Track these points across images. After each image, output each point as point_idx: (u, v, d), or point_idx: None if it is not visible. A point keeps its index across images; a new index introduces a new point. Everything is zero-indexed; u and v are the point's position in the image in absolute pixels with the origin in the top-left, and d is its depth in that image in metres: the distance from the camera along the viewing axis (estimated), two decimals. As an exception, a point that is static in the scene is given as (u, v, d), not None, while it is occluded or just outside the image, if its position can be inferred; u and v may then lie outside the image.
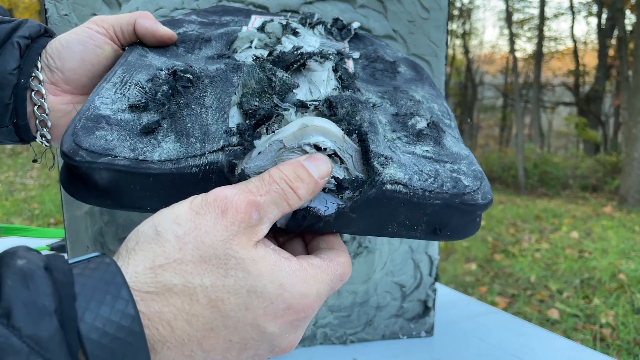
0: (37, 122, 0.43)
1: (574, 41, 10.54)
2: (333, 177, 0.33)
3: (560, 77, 11.17)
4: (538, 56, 9.63)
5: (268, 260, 0.28)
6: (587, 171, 8.03)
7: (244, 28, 0.48)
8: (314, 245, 0.35)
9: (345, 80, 0.40)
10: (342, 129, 0.34)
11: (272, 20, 0.49)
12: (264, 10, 0.57)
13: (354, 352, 0.64)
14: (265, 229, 0.30)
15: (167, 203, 0.30)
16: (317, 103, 0.35)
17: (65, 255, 0.90)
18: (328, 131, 0.33)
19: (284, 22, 0.48)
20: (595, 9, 10.00)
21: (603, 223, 4.31)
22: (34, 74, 0.42)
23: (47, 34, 0.45)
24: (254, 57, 0.41)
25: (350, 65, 0.47)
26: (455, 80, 10.84)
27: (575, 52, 10.49)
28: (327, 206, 0.34)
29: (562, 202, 5.98)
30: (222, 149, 0.32)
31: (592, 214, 4.96)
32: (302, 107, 0.35)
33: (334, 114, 0.35)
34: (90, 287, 0.24)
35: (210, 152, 0.33)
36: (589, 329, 2.23)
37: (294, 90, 0.36)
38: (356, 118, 0.35)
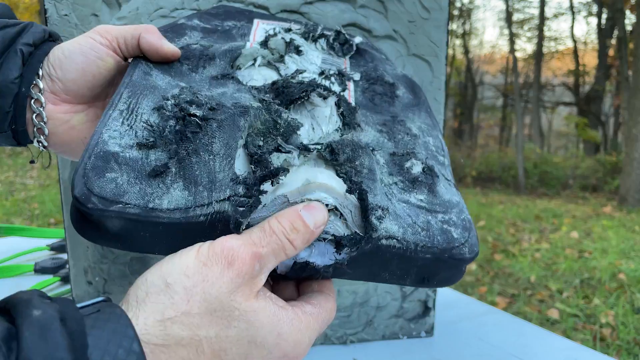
0: (35, 129, 0.43)
1: (574, 41, 10.54)
2: (332, 234, 0.35)
3: (560, 77, 11.17)
4: (538, 56, 9.63)
5: (268, 311, 0.30)
6: (587, 171, 8.03)
7: (248, 44, 0.48)
8: (306, 285, 0.37)
9: (347, 117, 0.42)
10: (344, 181, 0.36)
11: (274, 34, 0.49)
12: (264, 11, 0.57)
13: (354, 352, 0.64)
14: (264, 278, 0.31)
15: (175, 248, 0.32)
16: (319, 147, 0.38)
17: (65, 256, 0.90)
18: (331, 188, 0.35)
19: (287, 39, 0.48)
20: (595, 9, 10.00)
21: (603, 223, 4.31)
22: (34, 82, 0.42)
23: (52, 39, 0.45)
24: (260, 100, 0.41)
25: (350, 88, 0.48)
26: (455, 80, 10.84)
27: (575, 52, 10.49)
28: (325, 260, 0.36)
29: (562, 202, 5.98)
30: (228, 198, 0.34)
31: (592, 214, 4.97)
32: (305, 150, 0.37)
33: (335, 158, 0.37)
34: (104, 339, 0.25)
35: (217, 202, 0.34)
36: (589, 328, 2.23)
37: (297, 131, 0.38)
38: (356, 163, 0.37)
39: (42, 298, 0.26)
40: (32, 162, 0.49)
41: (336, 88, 0.47)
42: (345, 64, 0.51)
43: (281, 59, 0.47)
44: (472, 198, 5.81)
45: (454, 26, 10.42)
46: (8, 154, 6.45)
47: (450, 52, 9.93)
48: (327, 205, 0.35)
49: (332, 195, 0.35)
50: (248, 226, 0.34)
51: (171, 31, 0.48)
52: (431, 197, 0.40)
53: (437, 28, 0.61)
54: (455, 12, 10.20)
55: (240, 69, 0.46)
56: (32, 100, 0.42)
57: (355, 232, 0.36)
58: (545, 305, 2.49)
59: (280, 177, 0.35)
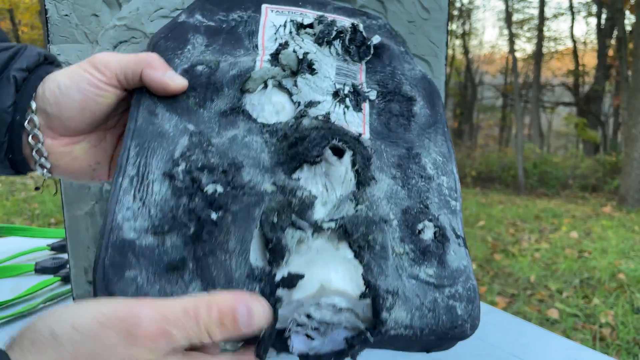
0: (37, 164, 0.42)
1: (574, 41, 10.55)
2: (345, 338, 0.37)
3: (560, 77, 11.18)
4: (538, 56, 9.63)
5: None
6: (586, 171, 8.03)
7: (257, 64, 0.44)
8: None
9: (361, 174, 0.41)
10: (364, 283, 0.37)
11: (286, 44, 0.45)
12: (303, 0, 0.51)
13: (354, 351, 0.64)
14: (173, 358, 0.29)
15: None
16: (333, 226, 0.38)
17: (66, 256, 0.90)
18: (344, 293, 0.36)
19: (300, 53, 0.45)
20: (594, 9, 10.00)
21: (603, 223, 4.31)
22: (29, 117, 0.39)
23: (47, 61, 0.43)
24: (274, 184, 0.39)
25: (366, 111, 0.46)
26: (455, 81, 10.85)
27: (574, 52, 10.50)
28: (334, 346, 0.38)
29: (561, 202, 5.98)
30: None
31: (591, 213, 4.97)
32: (319, 229, 0.38)
33: (349, 236, 0.38)
34: None
35: None
36: (589, 328, 2.23)
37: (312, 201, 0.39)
38: (369, 238, 0.38)
39: None
40: (37, 189, 0.48)
41: (351, 117, 0.44)
42: (361, 71, 0.48)
43: (294, 75, 0.45)
44: (472, 198, 5.81)
45: (453, 26, 10.42)
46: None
47: (450, 52, 9.93)
48: (340, 309, 0.36)
49: (346, 299, 0.36)
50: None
51: (172, 38, 0.44)
52: (440, 270, 0.41)
53: (437, 28, 0.61)
54: (455, 13, 10.20)
55: (250, 92, 0.43)
56: (30, 136, 0.40)
57: (365, 329, 0.37)
58: (545, 305, 2.50)
59: (295, 282, 0.35)
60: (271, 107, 0.43)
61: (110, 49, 0.53)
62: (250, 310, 0.31)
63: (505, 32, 11.19)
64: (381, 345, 0.39)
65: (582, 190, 7.19)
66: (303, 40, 0.46)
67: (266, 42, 0.46)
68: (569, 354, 0.64)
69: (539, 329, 0.71)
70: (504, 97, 11.27)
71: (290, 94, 0.44)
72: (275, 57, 0.45)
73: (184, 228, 0.35)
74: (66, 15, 0.53)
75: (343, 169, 0.40)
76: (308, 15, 0.48)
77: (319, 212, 0.39)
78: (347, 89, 0.45)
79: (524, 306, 2.49)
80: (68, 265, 0.86)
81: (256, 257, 0.36)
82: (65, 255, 0.93)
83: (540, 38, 9.81)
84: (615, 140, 9.50)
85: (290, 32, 0.46)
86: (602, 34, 9.44)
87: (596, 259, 3.14)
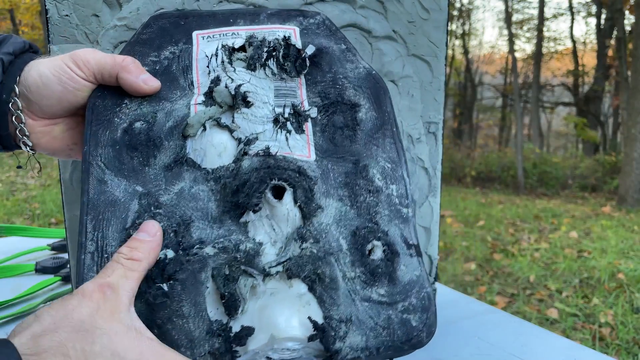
0: (20, 142, 0.45)
1: (573, 41, 10.54)
2: None
3: (560, 77, 11.18)
4: (537, 56, 9.63)
5: (129, 334, 0.34)
6: (586, 171, 8.03)
7: (192, 109, 0.44)
8: None
9: (304, 209, 0.42)
10: (311, 325, 0.38)
11: (218, 79, 0.44)
12: (235, 13, 0.50)
13: (354, 351, 0.65)
14: (125, 300, 0.35)
15: None
16: (280, 269, 0.39)
17: (66, 255, 0.90)
18: (294, 338, 0.38)
19: (233, 88, 0.44)
20: (594, 9, 10.00)
21: (602, 223, 4.32)
22: (13, 100, 0.43)
23: (32, 50, 0.46)
24: (217, 246, 0.40)
25: (309, 131, 0.45)
26: (455, 81, 10.85)
27: (574, 52, 10.50)
28: None
29: (561, 202, 5.98)
30: (209, 353, 0.37)
31: (591, 213, 4.97)
32: (267, 275, 0.39)
33: (297, 276, 0.39)
34: None
35: (199, 357, 0.37)
36: (588, 328, 2.23)
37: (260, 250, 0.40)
38: (318, 272, 0.40)
39: None
40: (19, 167, 0.51)
41: (294, 141, 0.44)
42: (300, 86, 0.47)
43: (231, 109, 0.44)
44: (471, 198, 5.81)
45: (453, 26, 10.42)
46: (9, 154, 6.44)
47: (450, 52, 9.93)
48: (295, 349, 0.39)
49: (297, 341, 0.39)
50: None
51: (108, 96, 0.44)
52: (391, 288, 0.42)
53: (437, 28, 0.61)
54: (455, 13, 10.20)
55: (191, 137, 0.43)
56: (13, 117, 0.43)
57: None
58: (545, 305, 2.50)
59: (245, 340, 0.38)
60: (213, 149, 0.43)
61: (110, 49, 0.53)
62: (142, 229, 0.39)
63: (505, 32, 11.19)
64: None
65: (581, 190, 7.19)
66: (235, 70, 0.45)
67: (200, 78, 0.45)
68: (569, 354, 0.64)
69: (539, 328, 0.72)
70: (504, 97, 11.27)
71: (230, 131, 0.43)
72: (209, 96, 0.44)
73: (144, 295, 0.37)
74: (66, 15, 0.53)
75: (285, 208, 0.41)
76: (240, 34, 0.47)
77: (269, 255, 0.40)
78: (287, 112, 0.45)
79: (523, 306, 2.49)
80: (68, 265, 0.86)
81: (212, 310, 0.38)
82: (65, 255, 0.93)
83: (540, 38, 9.82)
84: (615, 140, 9.50)
85: (222, 62, 0.45)
86: (602, 34, 9.44)
87: (596, 258, 3.14)
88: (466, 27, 11.08)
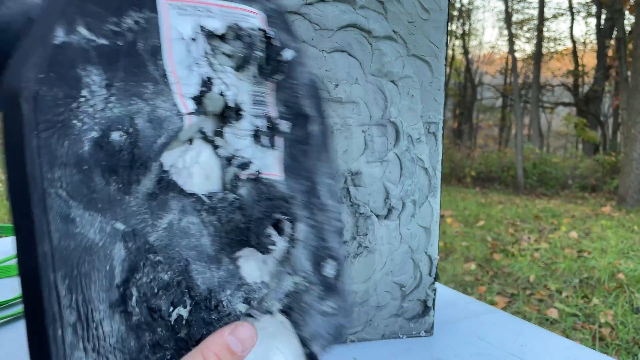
0: None
1: (573, 42, 10.55)
2: None
3: (560, 77, 11.18)
4: (537, 56, 9.63)
5: None
6: (586, 171, 8.04)
7: (186, 120, 0.34)
8: None
9: (293, 240, 0.40)
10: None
11: (210, 83, 0.35)
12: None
13: (354, 351, 0.65)
14: None
15: None
16: (280, 307, 0.39)
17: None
18: None
19: (231, 101, 0.36)
20: (594, 9, 10.01)
21: (602, 223, 4.32)
22: None
23: None
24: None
25: (279, 146, 0.40)
26: (455, 81, 10.85)
27: (574, 52, 10.50)
28: None
29: (561, 202, 5.98)
30: None
31: (591, 213, 4.97)
32: (268, 313, 0.38)
33: (293, 309, 0.40)
34: None
35: None
36: (588, 328, 2.23)
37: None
38: (301, 302, 0.40)
39: None
40: None
41: (268, 158, 0.39)
42: (269, 92, 0.40)
43: (216, 121, 0.37)
44: (471, 198, 5.81)
45: (453, 27, 10.42)
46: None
47: (450, 52, 9.93)
48: None
49: None
50: None
51: (57, 81, 0.28)
52: (337, 300, 0.43)
53: (437, 29, 0.61)
54: (455, 13, 10.20)
55: (170, 151, 0.34)
56: None
57: None
58: (545, 305, 2.50)
59: None
60: (200, 170, 0.35)
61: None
62: (237, 333, 0.32)
63: (505, 32, 11.20)
64: None
65: (581, 190, 7.20)
66: (224, 70, 0.36)
67: (177, 68, 0.34)
68: (569, 354, 0.64)
69: (539, 328, 0.72)
70: (504, 97, 11.27)
71: (215, 147, 0.36)
72: (199, 102, 0.35)
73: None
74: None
75: (283, 244, 0.38)
76: (213, 11, 0.36)
77: (262, 290, 0.38)
78: (263, 125, 0.39)
79: (523, 306, 2.49)
80: (68, 265, 0.85)
81: None
82: (65, 255, 0.93)
83: (540, 38, 9.82)
84: (615, 140, 9.50)
85: (206, 55, 0.35)
86: (602, 34, 9.44)
87: (595, 258, 3.14)
88: (466, 27, 11.09)
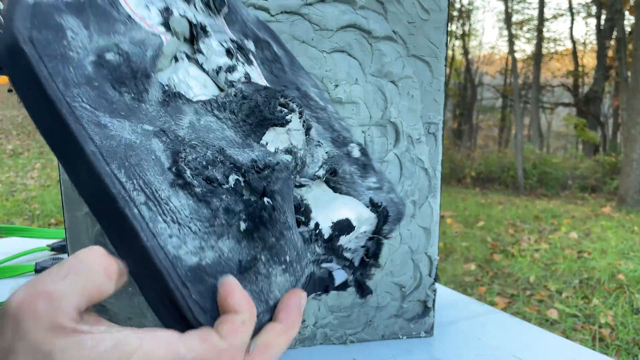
0: None
1: (573, 42, 10.55)
2: (365, 250, 0.43)
3: (560, 78, 11.18)
4: (537, 57, 9.63)
5: (83, 345, 0.25)
6: (586, 172, 8.03)
7: (162, 37, 0.38)
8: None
9: (306, 122, 0.44)
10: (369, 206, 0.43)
11: (169, 9, 0.39)
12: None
13: (354, 352, 0.65)
14: (69, 312, 0.25)
15: None
16: (324, 172, 0.43)
17: (66, 256, 0.90)
18: (368, 219, 0.43)
19: (190, 17, 0.40)
20: (594, 10, 10.01)
21: (602, 223, 4.32)
22: None
23: None
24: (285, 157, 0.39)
25: (254, 62, 0.45)
26: (455, 81, 10.85)
27: (574, 53, 10.50)
28: (360, 265, 0.43)
29: (561, 203, 5.98)
30: (312, 262, 0.38)
31: (591, 214, 4.97)
32: (314, 179, 0.42)
33: (335, 174, 0.44)
34: None
35: (306, 267, 0.37)
36: (588, 329, 2.23)
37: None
38: (341, 171, 0.44)
39: None
40: (9, 90, 0.46)
41: (252, 71, 0.44)
42: (224, 25, 0.45)
43: (190, 43, 0.41)
44: (471, 198, 5.81)
45: (453, 27, 10.43)
46: (9, 154, 6.45)
47: (450, 53, 9.93)
48: (364, 232, 0.43)
49: (369, 222, 0.43)
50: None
51: (44, 27, 0.32)
52: (377, 176, 0.48)
53: (437, 29, 0.61)
54: (455, 13, 10.21)
55: (163, 70, 0.38)
56: None
57: (378, 236, 0.43)
58: (545, 306, 2.50)
59: (347, 227, 0.40)
60: (195, 82, 0.39)
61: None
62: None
63: (505, 33, 11.20)
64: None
65: (581, 191, 7.19)
66: (176, 1, 0.40)
67: (135, 10, 0.38)
68: (569, 354, 0.64)
69: (539, 329, 0.72)
70: (504, 97, 11.27)
71: (198, 64, 0.40)
72: (167, 26, 0.39)
73: (231, 228, 0.32)
74: None
75: (298, 120, 0.42)
76: None
77: (300, 151, 0.42)
78: (232, 46, 0.43)
79: (523, 306, 2.49)
80: (68, 266, 0.85)
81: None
82: (65, 256, 0.93)
83: (540, 39, 9.82)
84: (615, 141, 9.50)
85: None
86: (602, 34, 9.45)
87: (595, 259, 3.14)
88: (466, 28, 11.09)
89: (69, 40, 0.32)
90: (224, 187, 0.33)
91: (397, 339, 0.68)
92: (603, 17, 9.49)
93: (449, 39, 0.64)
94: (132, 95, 0.34)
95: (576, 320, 2.33)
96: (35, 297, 0.25)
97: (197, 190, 0.32)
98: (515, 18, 10.45)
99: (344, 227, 0.39)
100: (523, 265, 3.05)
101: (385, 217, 0.44)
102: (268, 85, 0.44)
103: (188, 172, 0.32)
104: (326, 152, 0.44)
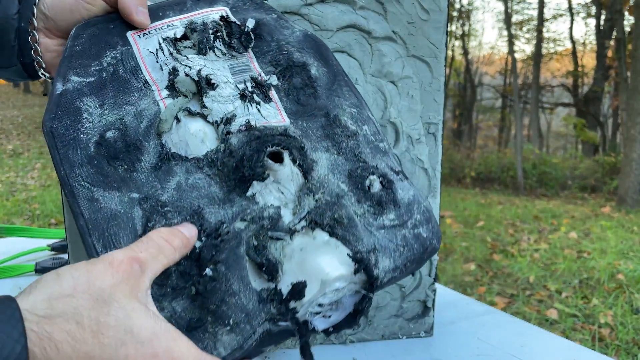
0: (35, 63, 0.48)
1: (573, 42, 10.55)
2: (354, 303, 0.42)
3: (559, 78, 11.18)
4: (537, 57, 9.64)
5: (146, 313, 0.33)
6: (585, 172, 8.03)
7: (161, 104, 0.44)
8: None
9: (304, 166, 0.44)
10: (351, 259, 0.41)
11: (176, 70, 0.45)
12: (161, 6, 0.49)
13: (354, 352, 0.65)
14: (147, 281, 0.35)
15: None
16: (304, 224, 0.42)
17: (66, 256, 0.90)
18: (342, 277, 0.41)
19: (195, 76, 0.45)
20: (594, 10, 10.01)
21: (602, 223, 4.32)
22: (30, 20, 0.46)
23: None
24: (246, 225, 0.41)
25: (275, 98, 0.47)
26: (455, 81, 10.85)
27: (574, 53, 10.51)
28: (347, 316, 0.42)
29: (560, 203, 5.98)
30: (266, 320, 0.39)
31: (590, 214, 4.97)
32: (293, 233, 0.41)
33: (320, 226, 0.42)
34: None
35: (258, 326, 0.38)
36: (588, 329, 2.23)
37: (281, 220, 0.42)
38: (335, 216, 0.42)
39: None
40: (45, 94, 0.54)
41: (266, 110, 0.46)
42: (251, 60, 0.48)
43: (197, 96, 0.45)
44: (471, 198, 5.81)
45: (453, 27, 10.43)
46: (9, 154, 6.45)
47: (450, 53, 9.93)
48: (342, 288, 0.41)
49: (344, 279, 0.41)
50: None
51: (64, 115, 0.42)
52: (398, 211, 0.46)
53: (436, 29, 0.61)
54: (455, 14, 10.21)
55: (166, 133, 0.43)
56: (29, 37, 0.47)
57: (366, 292, 0.42)
58: (544, 306, 2.50)
59: (302, 292, 0.39)
60: (194, 138, 0.43)
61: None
62: (183, 225, 0.39)
63: (505, 33, 11.20)
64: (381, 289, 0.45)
65: (581, 191, 7.19)
66: (187, 57, 0.45)
67: (152, 74, 0.45)
68: (568, 354, 0.64)
69: (538, 329, 0.72)
70: (503, 98, 11.27)
71: (204, 117, 0.44)
72: (172, 88, 0.45)
73: (185, 291, 0.37)
74: None
75: (288, 169, 0.43)
76: (175, 24, 0.48)
77: (287, 216, 0.42)
78: (249, 86, 0.46)
79: (523, 306, 2.49)
80: (68, 266, 0.85)
81: (255, 280, 0.39)
82: (65, 256, 0.93)
83: (540, 39, 9.82)
84: (614, 141, 9.50)
85: (171, 54, 0.46)
86: (601, 35, 9.45)
87: (595, 259, 3.14)
88: (466, 28, 11.09)
89: (83, 122, 0.42)
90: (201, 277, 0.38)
91: (397, 339, 0.68)
92: (603, 17, 9.49)
93: (448, 39, 0.64)
94: (125, 167, 0.41)
95: (576, 320, 2.33)
96: (132, 260, 0.34)
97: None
98: (515, 18, 10.46)
99: (295, 292, 0.39)
100: (523, 265, 3.05)
101: (370, 274, 0.41)
102: (286, 119, 0.46)
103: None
104: (315, 200, 0.43)
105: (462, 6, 10.62)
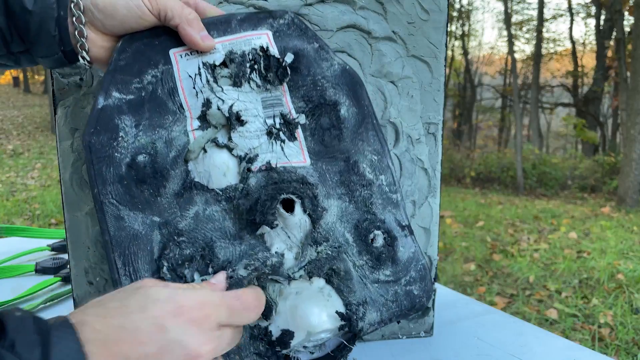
0: (80, 57, 0.48)
1: (573, 42, 10.55)
2: (336, 345, 0.45)
3: (559, 78, 11.18)
4: (537, 57, 9.64)
5: (163, 284, 0.37)
6: (585, 172, 8.03)
7: (190, 137, 0.46)
8: None
9: (313, 214, 0.46)
10: (339, 317, 0.44)
11: (209, 102, 0.46)
12: (207, 24, 0.49)
13: (354, 351, 0.64)
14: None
15: None
16: (302, 273, 0.44)
17: (66, 256, 0.90)
18: (327, 330, 0.43)
19: (226, 111, 0.46)
20: (593, 10, 10.01)
21: (601, 223, 4.32)
22: (77, 15, 0.45)
23: None
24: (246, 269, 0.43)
25: (300, 137, 0.48)
26: (454, 82, 10.85)
27: (573, 53, 10.51)
28: (330, 352, 0.45)
29: (560, 203, 5.98)
30: (255, 354, 0.42)
31: (590, 214, 4.97)
32: (291, 279, 0.44)
33: (317, 275, 0.44)
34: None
35: (246, 358, 0.42)
36: (588, 328, 2.23)
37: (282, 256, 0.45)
38: (333, 268, 0.45)
39: (22, 309, 0.33)
40: (81, 79, 0.55)
41: (289, 149, 0.47)
42: (284, 93, 0.49)
43: (226, 128, 0.46)
44: (471, 198, 5.81)
45: (452, 27, 10.43)
46: (9, 154, 6.44)
47: (449, 53, 9.93)
48: (326, 337, 0.44)
49: (329, 332, 0.44)
50: None
51: (102, 131, 0.44)
52: (395, 268, 0.48)
53: (436, 29, 0.61)
54: (454, 14, 10.21)
55: (192, 159, 0.46)
56: (76, 31, 0.46)
57: (347, 341, 0.45)
58: (544, 306, 2.50)
59: (288, 342, 0.42)
60: (217, 170, 0.45)
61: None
62: (242, 299, 0.40)
63: (505, 33, 11.20)
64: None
65: (581, 191, 7.19)
66: (223, 89, 0.47)
67: (188, 99, 0.47)
68: (568, 354, 0.64)
69: (538, 329, 0.72)
70: (503, 98, 11.27)
71: (229, 149, 0.46)
72: (203, 119, 0.46)
73: None
74: None
75: (297, 219, 0.45)
76: (217, 48, 0.48)
77: (289, 260, 0.45)
78: (277, 122, 0.47)
79: (523, 306, 2.49)
80: (68, 266, 0.86)
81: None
82: (65, 256, 0.93)
83: (539, 39, 9.82)
84: (614, 141, 9.50)
85: (208, 82, 0.47)
86: (601, 35, 9.45)
87: (595, 259, 3.14)
88: (466, 28, 11.09)
89: (118, 141, 0.44)
90: (189, 283, 0.41)
91: (397, 338, 0.68)
92: (602, 17, 9.49)
93: (448, 40, 0.64)
94: (151, 191, 0.44)
95: (575, 320, 2.33)
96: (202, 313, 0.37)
97: (168, 282, 0.40)
98: (514, 18, 10.46)
99: (283, 341, 0.42)
100: (522, 265, 3.05)
101: (354, 330, 0.44)
102: (299, 165, 0.47)
103: (165, 267, 0.41)
104: (317, 253, 0.45)
105: (462, 6, 10.62)
